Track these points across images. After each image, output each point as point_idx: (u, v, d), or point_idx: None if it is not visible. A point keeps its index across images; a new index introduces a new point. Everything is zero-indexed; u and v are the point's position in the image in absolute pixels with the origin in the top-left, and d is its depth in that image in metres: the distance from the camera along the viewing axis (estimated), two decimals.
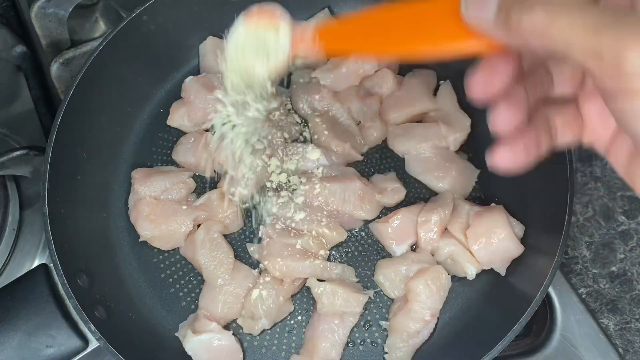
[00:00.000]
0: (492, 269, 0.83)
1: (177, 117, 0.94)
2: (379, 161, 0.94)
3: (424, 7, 0.46)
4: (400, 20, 0.48)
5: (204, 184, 0.92)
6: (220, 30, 1.00)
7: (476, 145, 0.94)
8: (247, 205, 0.91)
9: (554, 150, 0.49)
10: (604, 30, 0.34)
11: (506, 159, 0.46)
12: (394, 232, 0.85)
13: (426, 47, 0.46)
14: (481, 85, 0.45)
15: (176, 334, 0.83)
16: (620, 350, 0.86)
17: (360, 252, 0.88)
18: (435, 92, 0.96)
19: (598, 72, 0.35)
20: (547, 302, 0.87)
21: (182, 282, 0.87)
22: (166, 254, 0.89)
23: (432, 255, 0.84)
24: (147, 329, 0.84)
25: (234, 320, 0.84)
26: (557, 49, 0.37)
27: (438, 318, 0.83)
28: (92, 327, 0.73)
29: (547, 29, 0.37)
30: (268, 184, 0.92)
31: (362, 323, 0.84)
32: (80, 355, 0.77)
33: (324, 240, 0.85)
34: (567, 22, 0.36)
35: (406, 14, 0.47)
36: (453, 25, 0.43)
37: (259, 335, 0.83)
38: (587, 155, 1.00)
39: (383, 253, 0.88)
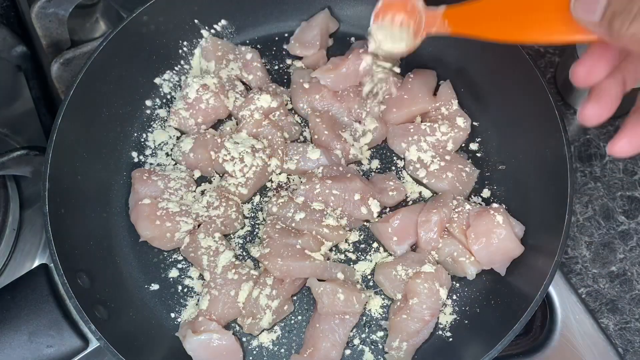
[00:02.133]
0: (492, 269, 0.83)
1: (177, 117, 0.94)
2: (379, 161, 0.94)
3: None
4: (516, 8, 0.56)
5: (204, 184, 0.92)
6: (220, 30, 1.01)
7: (476, 145, 0.94)
8: (247, 205, 0.91)
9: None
10: None
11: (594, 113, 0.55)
12: (394, 232, 0.85)
13: (537, 37, 0.55)
14: (583, 74, 0.53)
15: (176, 334, 0.83)
16: (620, 350, 0.86)
17: (361, 252, 0.88)
18: (435, 92, 0.96)
19: None
20: (547, 302, 0.87)
21: (182, 282, 0.87)
22: (166, 254, 0.89)
23: (432, 255, 0.84)
24: (147, 329, 0.84)
25: (234, 320, 0.84)
26: None
27: (438, 318, 0.83)
28: (93, 327, 0.73)
29: None
30: (268, 184, 0.92)
31: (362, 323, 0.84)
32: (81, 355, 0.77)
33: (324, 240, 0.85)
34: None
35: (521, 2, 0.55)
36: (561, 17, 0.50)
37: (258, 335, 0.83)
38: (587, 155, 1.00)
39: (383, 253, 0.88)
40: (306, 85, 0.95)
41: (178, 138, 0.96)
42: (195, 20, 0.98)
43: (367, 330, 0.84)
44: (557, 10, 0.51)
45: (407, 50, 0.73)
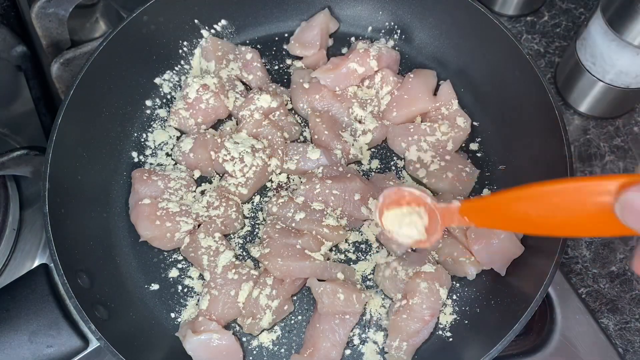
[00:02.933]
0: (492, 269, 0.83)
1: (177, 117, 0.94)
2: (379, 161, 0.94)
3: (566, 191, 0.49)
4: (543, 203, 0.52)
5: (204, 184, 0.92)
6: (220, 30, 1.01)
7: (476, 145, 0.94)
8: (247, 205, 0.91)
9: None
10: None
11: None
12: None
13: (571, 234, 0.52)
14: None
15: (176, 334, 0.83)
16: (620, 350, 0.86)
17: (361, 252, 0.88)
18: (435, 92, 0.96)
19: None
20: (547, 302, 0.87)
21: (182, 282, 0.87)
22: (166, 254, 0.89)
23: (432, 255, 0.84)
24: (147, 329, 0.84)
25: (234, 320, 0.84)
26: None
27: (438, 318, 0.83)
28: (93, 327, 0.73)
29: None
30: (268, 184, 0.92)
31: (362, 323, 0.84)
32: (81, 355, 0.77)
33: (324, 240, 0.85)
34: None
35: (549, 196, 0.51)
36: (595, 216, 0.47)
37: (258, 335, 0.83)
38: (587, 155, 1.00)
39: (383, 253, 0.88)
40: (306, 85, 0.95)
41: (178, 138, 0.96)
42: (195, 20, 0.98)
43: (367, 330, 0.84)
44: (587, 203, 0.47)
45: (421, 239, 0.67)
